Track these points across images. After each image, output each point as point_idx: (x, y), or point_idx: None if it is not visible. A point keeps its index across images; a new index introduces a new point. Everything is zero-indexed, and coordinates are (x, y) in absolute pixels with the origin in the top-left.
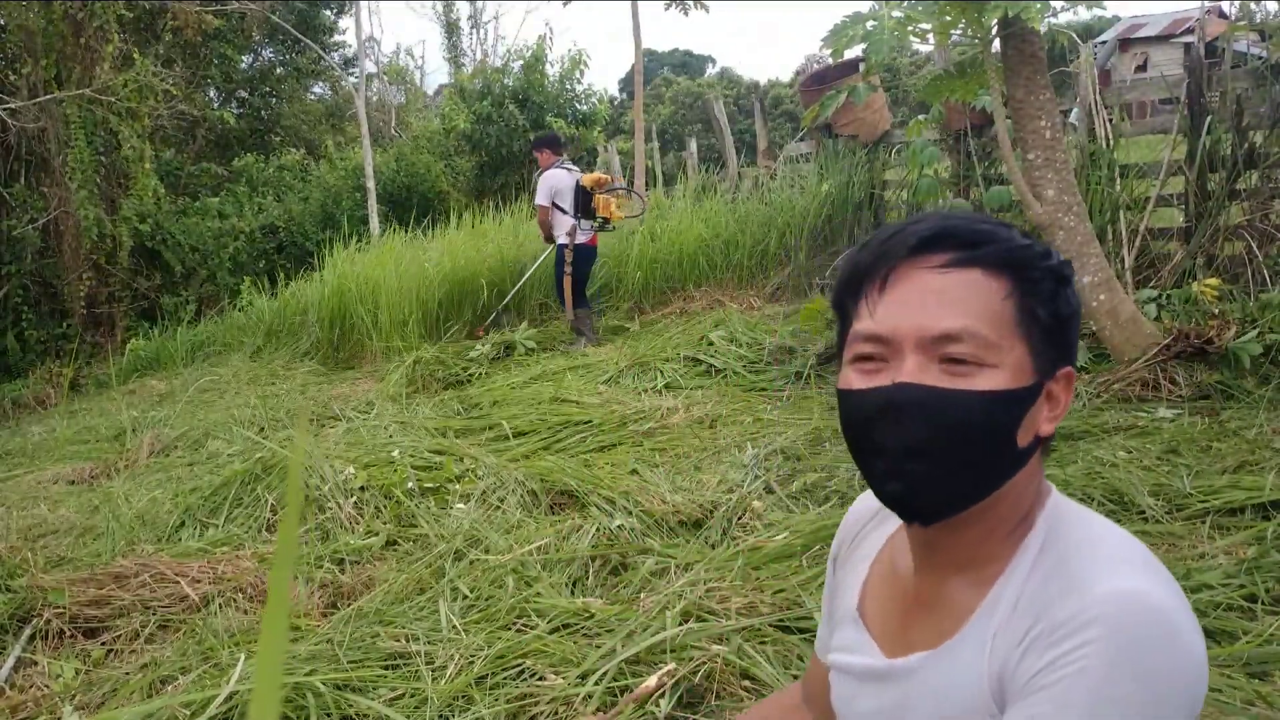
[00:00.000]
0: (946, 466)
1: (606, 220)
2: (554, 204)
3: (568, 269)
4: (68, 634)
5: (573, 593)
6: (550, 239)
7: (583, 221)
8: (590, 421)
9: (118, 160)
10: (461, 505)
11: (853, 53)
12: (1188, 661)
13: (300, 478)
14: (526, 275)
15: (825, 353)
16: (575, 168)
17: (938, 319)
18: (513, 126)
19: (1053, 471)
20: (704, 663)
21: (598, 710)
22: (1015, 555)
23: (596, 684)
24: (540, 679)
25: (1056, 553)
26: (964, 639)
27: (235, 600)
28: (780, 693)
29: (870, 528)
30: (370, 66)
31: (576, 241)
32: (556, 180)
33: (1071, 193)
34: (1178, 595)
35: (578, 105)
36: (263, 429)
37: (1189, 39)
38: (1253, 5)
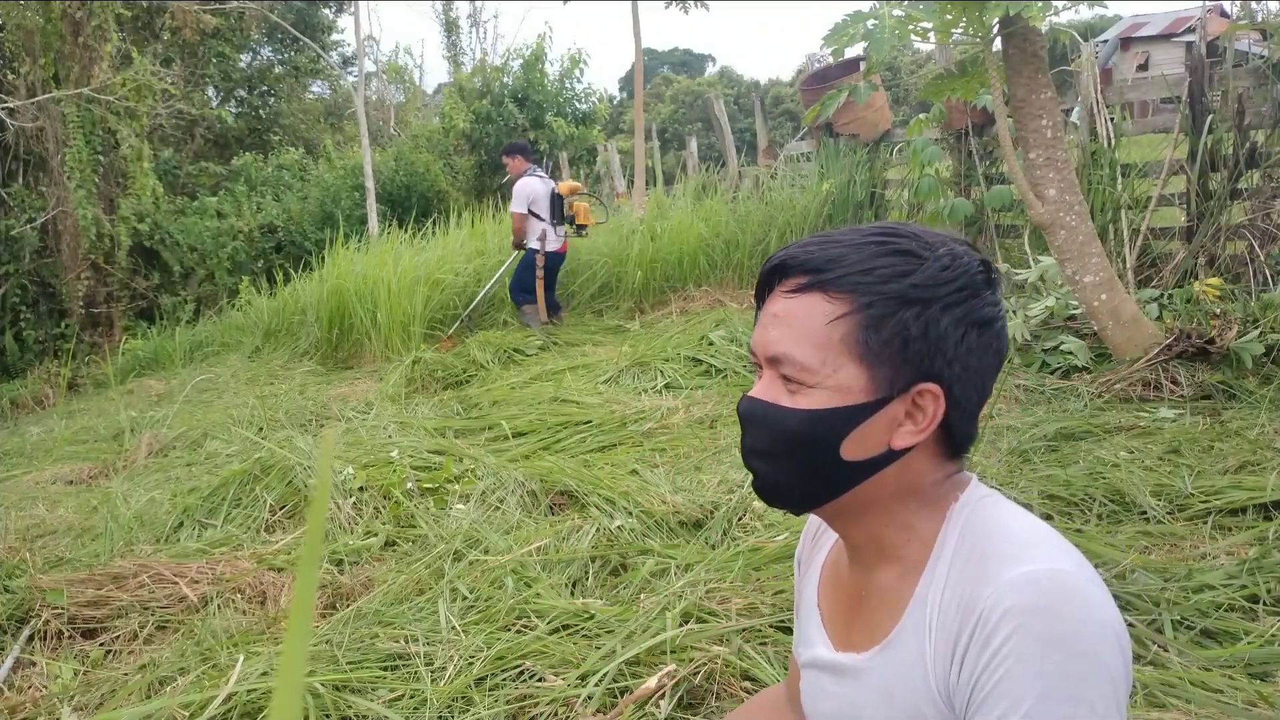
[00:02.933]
0: (777, 469)
1: (583, 226)
2: (530, 211)
3: (539, 273)
4: (66, 635)
5: (572, 593)
6: (520, 245)
7: (557, 228)
8: (590, 421)
9: (116, 159)
10: (461, 506)
11: (853, 51)
12: (1104, 626)
13: (329, 482)
14: (491, 282)
15: None
16: (546, 175)
17: (770, 342)
18: (512, 125)
19: (1053, 471)
20: (704, 664)
21: (598, 712)
22: (934, 548)
23: (596, 685)
24: (540, 680)
25: (970, 542)
26: (901, 635)
27: (234, 601)
28: (764, 693)
29: (824, 528)
30: (369, 65)
31: (548, 248)
32: (531, 188)
33: (1073, 192)
34: (1083, 566)
35: (577, 104)
36: (261, 429)
37: (1190, 38)
38: (1254, 4)
